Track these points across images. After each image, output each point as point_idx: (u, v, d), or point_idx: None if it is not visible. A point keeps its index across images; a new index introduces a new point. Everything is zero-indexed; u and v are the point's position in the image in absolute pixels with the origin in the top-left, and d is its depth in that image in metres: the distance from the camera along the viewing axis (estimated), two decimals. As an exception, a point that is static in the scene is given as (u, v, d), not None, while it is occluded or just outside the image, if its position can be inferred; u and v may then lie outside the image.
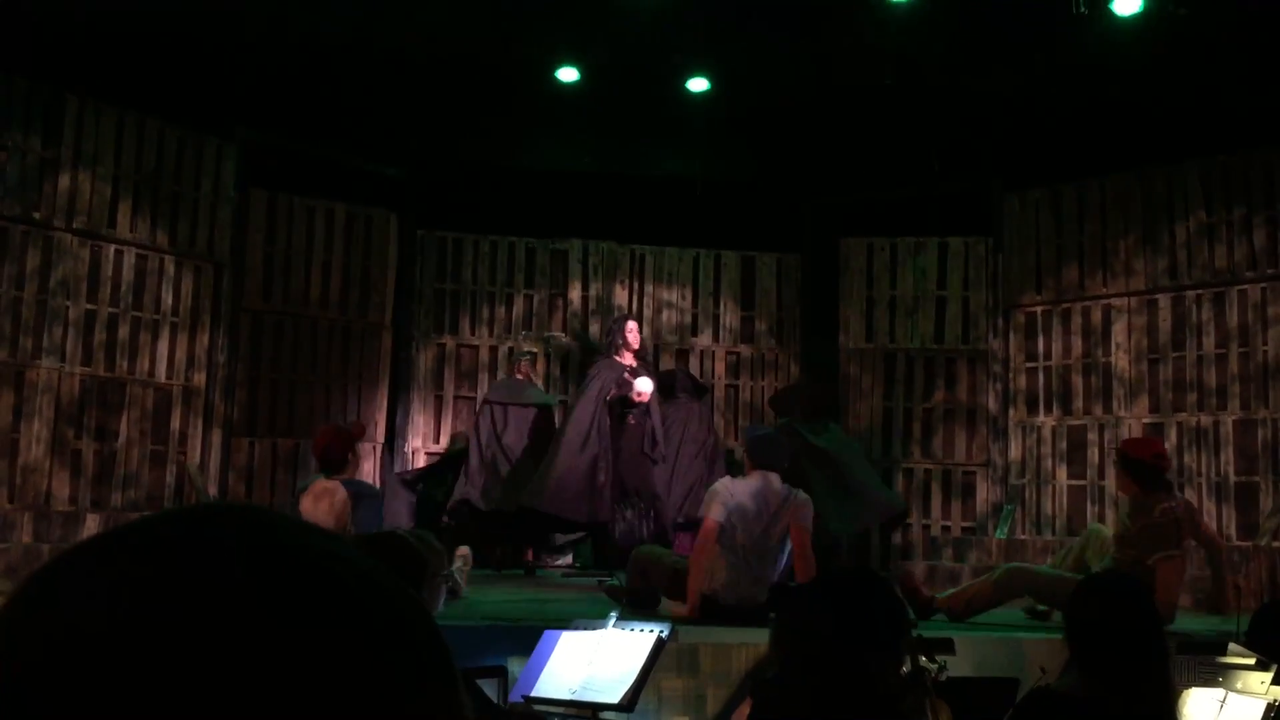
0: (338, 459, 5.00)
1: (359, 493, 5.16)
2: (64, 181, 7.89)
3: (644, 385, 7.84)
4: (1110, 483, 8.91)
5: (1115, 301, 9.08)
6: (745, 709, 2.91)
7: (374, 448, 9.63)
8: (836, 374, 10.10)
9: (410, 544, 2.99)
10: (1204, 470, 8.52)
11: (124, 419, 8.22)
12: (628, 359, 7.78)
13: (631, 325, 7.95)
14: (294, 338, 9.33)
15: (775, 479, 5.00)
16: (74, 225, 7.95)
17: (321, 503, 4.87)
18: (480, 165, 9.96)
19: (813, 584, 4.68)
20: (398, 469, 9.72)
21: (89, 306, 8.06)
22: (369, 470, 9.54)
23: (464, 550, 6.07)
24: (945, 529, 9.66)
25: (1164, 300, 8.84)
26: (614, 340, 7.99)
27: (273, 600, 0.43)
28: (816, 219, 10.35)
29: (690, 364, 10.23)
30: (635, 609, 5.37)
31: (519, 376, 9.03)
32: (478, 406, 9.50)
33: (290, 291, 9.32)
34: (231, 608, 0.42)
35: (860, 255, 10.15)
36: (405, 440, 9.84)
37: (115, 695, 0.40)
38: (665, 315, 10.39)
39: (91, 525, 7.51)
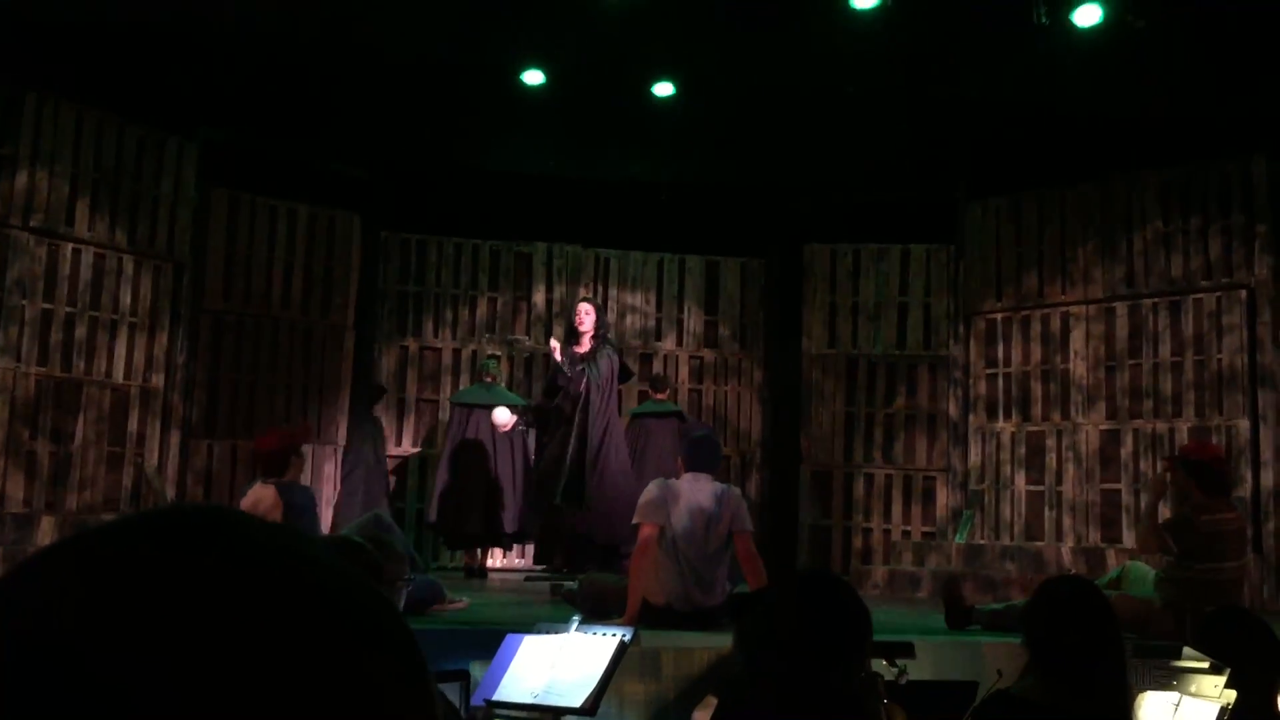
0: (278, 462, 4.90)
1: (291, 501, 5.03)
2: (21, 179, 7.78)
3: (500, 417, 7.78)
4: (1068, 488, 8.99)
5: (1074, 309, 9.14)
6: (708, 710, 2.92)
7: (334, 450, 9.57)
8: (799, 378, 10.13)
9: (363, 549, 2.96)
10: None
11: (80, 420, 8.11)
12: (583, 343, 7.52)
13: (582, 308, 7.64)
14: (255, 339, 9.24)
15: (706, 479, 4.96)
16: (31, 224, 7.84)
17: (253, 511, 4.72)
18: (445, 167, 9.91)
19: (774, 590, 4.70)
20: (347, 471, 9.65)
21: (46, 306, 7.95)
22: (329, 473, 9.48)
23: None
24: (905, 533, 9.70)
25: (1121, 308, 8.92)
26: (571, 324, 7.73)
27: (247, 602, 0.43)
28: (780, 224, 10.36)
29: (653, 367, 10.23)
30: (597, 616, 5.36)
31: (487, 380, 9.03)
32: (447, 409, 9.47)
33: (251, 292, 9.23)
34: (206, 611, 0.42)
35: (824, 261, 10.18)
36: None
37: (88, 701, 0.40)
38: (629, 319, 10.39)
39: (46, 528, 7.40)
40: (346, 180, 9.75)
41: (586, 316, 7.48)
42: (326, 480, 9.46)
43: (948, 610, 5.61)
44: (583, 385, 7.34)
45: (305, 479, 9.07)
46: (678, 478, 5.01)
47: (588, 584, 5.52)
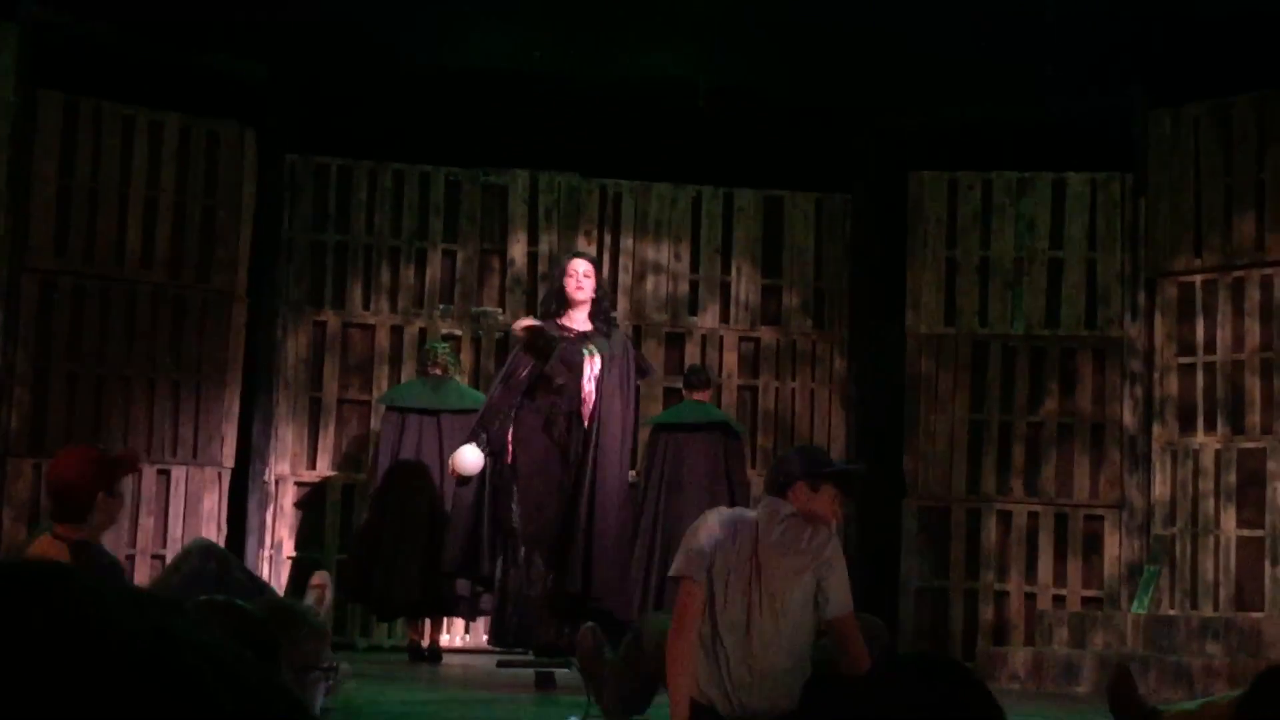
0: (76, 503, 4.71)
1: (92, 567, 4.87)
2: None
3: (467, 461, 7.34)
4: (1301, 534, 8.89)
5: (1310, 268, 9.06)
6: None
7: (219, 475, 9.54)
8: (901, 370, 10.07)
9: (253, 621, 2.90)
10: None
11: None
12: (576, 319, 7.36)
13: (577, 265, 7.46)
14: (102, 312, 9.22)
15: (783, 509, 4.80)
16: None
17: None
18: (379, 61, 9.85)
19: (866, 684, 4.59)
20: (255, 502, 9.64)
21: None
22: (209, 510, 9.44)
23: (321, 578, 5.89)
24: (1058, 600, 9.63)
25: (1381, 267, 8.86)
26: (553, 287, 7.43)
27: (93, 696, 0.50)
28: (876, 145, 10.31)
29: (688, 353, 10.16)
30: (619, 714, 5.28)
31: (435, 372, 9.00)
32: (380, 414, 9.44)
33: (97, 244, 9.20)
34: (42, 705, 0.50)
35: (938, 197, 10.11)
36: (265, 464, 9.74)
37: None
38: (651, 283, 10.33)
39: None
40: (234, 79, 9.68)
41: (586, 279, 7.31)
42: (207, 520, 9.43)
43: (1116, 713, 5.52)
44: (589, 387, 7.17)
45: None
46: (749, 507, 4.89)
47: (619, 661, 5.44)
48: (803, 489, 4.72)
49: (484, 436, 7.09)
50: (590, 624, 5.76)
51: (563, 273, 7.31)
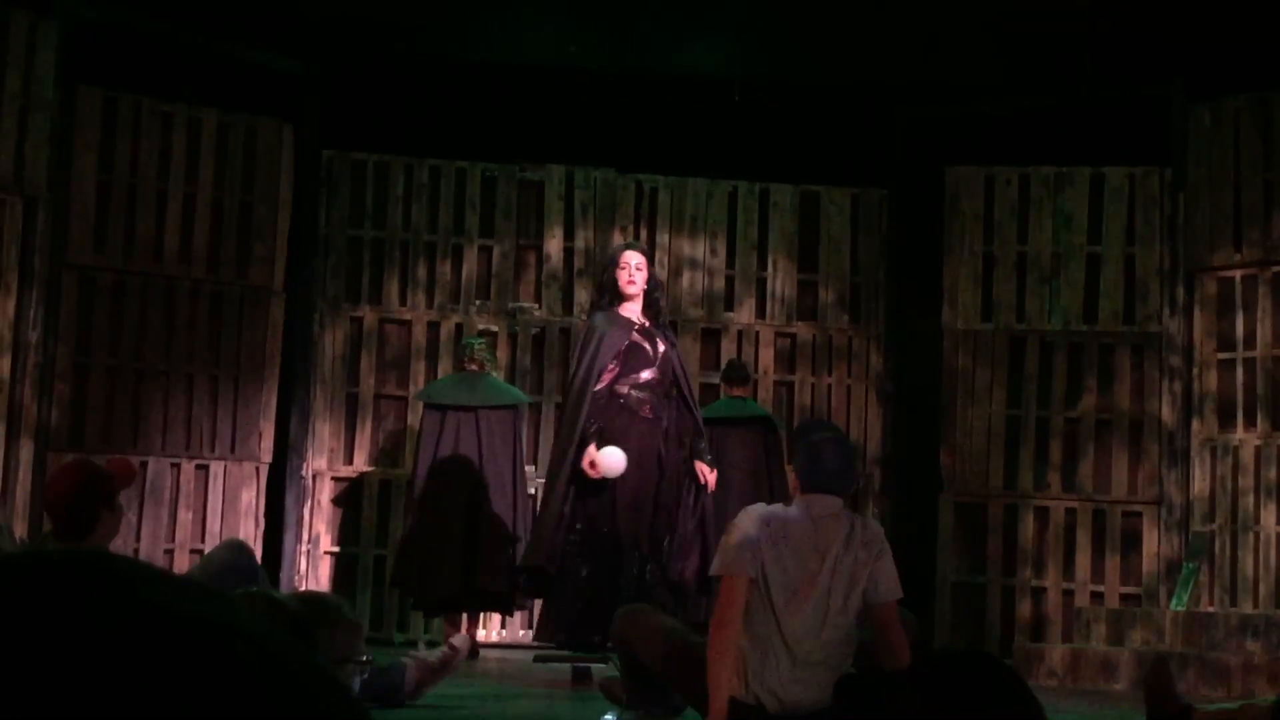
0: (78, 518, 4.67)
1: None
2: None
3: (610, 461, 6.99)
4: (1341, 530, 8.82)
5: (1352, 263, 9.02)
6: None
7: (257, 470, 9.58)
8: (938, 365, 10.04)
9: (290, 613, 2.91)
10: None
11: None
12: (631, 311, 7.27)
13: (630, 258, 7.33)
14: (141, 307, 9.27)
15: (833, 505, 4.81)
16: None
17: None
18: (416, 57, 9.87)
19: (906, 675, 4.59)
20: (293, 498, 9.68)
21: None
22: (248, 505, 9.49)
23: (462, 643, 5.95)
24: (1096, 596, 9.60)
25: None
26: (607, 278, 7.26)
27: (146, 680, 0.49)
28: (912, 139, 10.30)
29: (725, 349, 10.15)
30: (646, 710, 5.27)
31: (472, 368, 9.01)
32: (417, 410, 9.45)
33: (136, 239, 9.24)
34: (95, 690, 0.48)
35: (975, 192, 10.10)
36: (303, 459, 9.79)
37: None
38: (687, 278, 10.33)
39: None
40: (273, 75, 9.72)
41: (638, 272, 7.22)
42: (245, 515, 9.48)
43: (1151, 710, 5.48)
44: (657, 373, 7.14)
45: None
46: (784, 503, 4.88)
47: (618, 626, 5.45)
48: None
49: (595, 429, 6.89)
50: (630, 608, 5.72)
51: (615, 265, 7.18)
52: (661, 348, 7.09)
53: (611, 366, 6.97)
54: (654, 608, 5.77)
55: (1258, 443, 9.26)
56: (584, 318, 7.43)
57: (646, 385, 7.02)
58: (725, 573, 4.65)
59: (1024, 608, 9.73)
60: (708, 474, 7.07)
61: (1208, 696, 6.20)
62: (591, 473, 6.80)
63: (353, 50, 9.74)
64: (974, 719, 1.88)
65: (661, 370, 7.06)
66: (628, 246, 7.44)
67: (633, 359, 7.02)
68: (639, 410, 6.97)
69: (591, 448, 6.81)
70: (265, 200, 9.72)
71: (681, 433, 7.11)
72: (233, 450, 9.51)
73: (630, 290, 7.08)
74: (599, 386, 6.93)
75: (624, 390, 6.97)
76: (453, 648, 5.76)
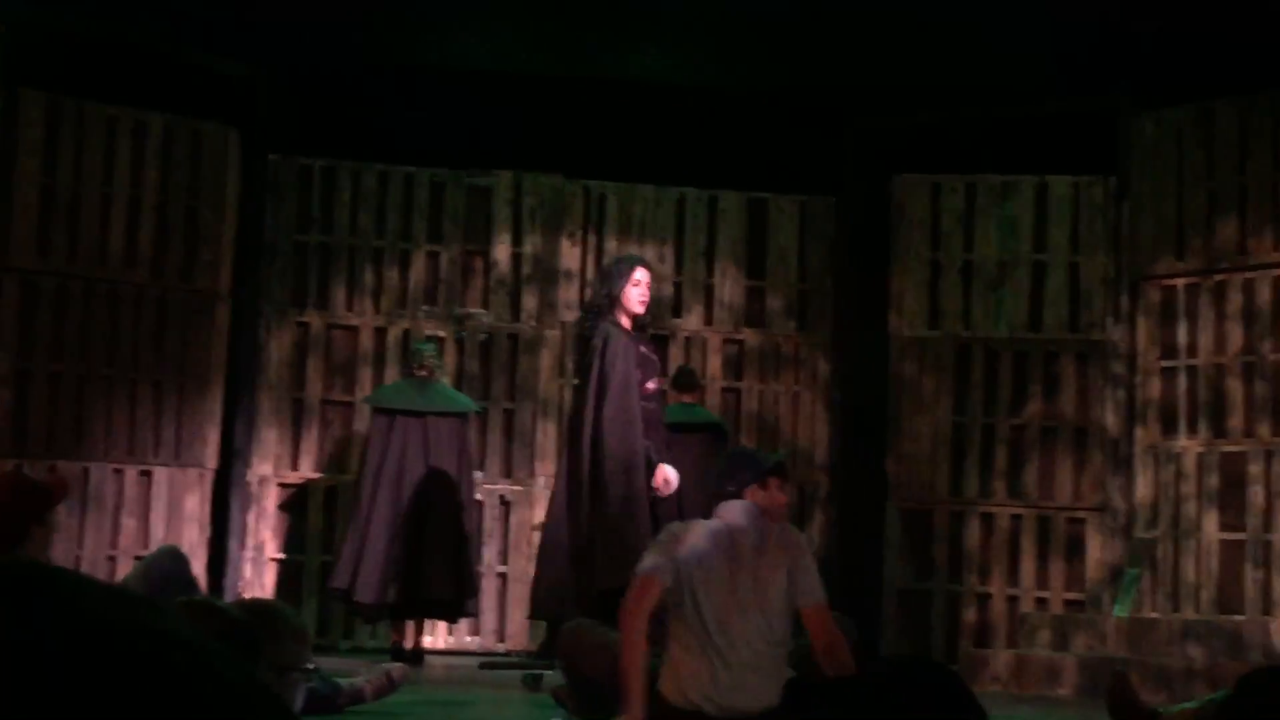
0: (9, 534, 4.58)
1: None
2: None
3: (676, 477, 6.83)
4: (1282, 537, 8.90)
5: (1292, 272, 9.06)
6: None
7: (201, 476, 9.52)
8: (885, 372, 10.07)
9: (233, 622, 2.89)
10: None
11: None
12: (625, 323, 7.15)
13: (644, 275, 7.08)
14: (85, 312, 9.21)
15: (747, 510, 4.87)
16: None
17: None
18: (363, 61, 9.84)
19: (852, 685, 4.61)
20: (238, 504, 9.62)
21: None
22: (191, 511, 9.42)
23: (400, 673, 5.98)
24: (1040, 602, 9.64)
25: (1363, 271, 8.87)
26: (612, 292, 7.04)
27: (83, 690, 0.53)
28: (859, 147, 10.31)
29: (673, 355, 10.15)
30: (593, 717, 5.28)
31: (421, 374, 8.98)
32: (364, 415, 9.41)
33: (80, 244, 9.19)
34: (32, 699, 0.52)
35: (922, 200, 10.12)
36: (248, 465, 9.74)
37: None
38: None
39: None
40: (220, 80, 9.68)
41: (647, 292, 7.07)
42: (189, 522, 9.41)
43: (1115, 718, 5.52)
44: (658, 383, 7.11)
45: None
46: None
47: (564, 639, 5.45)
48: (756, 490, 4.84)
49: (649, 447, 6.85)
50: (576, 623, 5.77)
51: (626, 279, 7.02)
52: (655, 359, 7.13)
53: (639, 388, 6.88)
54: (595, 623, 5.80)
55: (1200, 450, 9.33)
56: (581, 324, 7.23)
57: (653, 397, 7.03)
58: (643, 574, 4.72)
59: (969, 614, 9.76)
60: (662, 480, 7.02)
61: (1150, 701, 6.24)
62: (665, 491, 6.79)
63: (300, 55, 9.69)
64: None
65: (659, 381, 7.10)
66: (640, 261, 7.29)
67: (647, 369, 6.99)
68: (654, 421, 6.94)
69: (665, 468, 6.80)
70: (211, 205, 9.67)
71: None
72: (177, 456, 9.45)
73: (640, 309, 7.04)
74: (640, 406, 6.84)
75: (639, 403, 6.92)
76: (390, 680, 5.80)
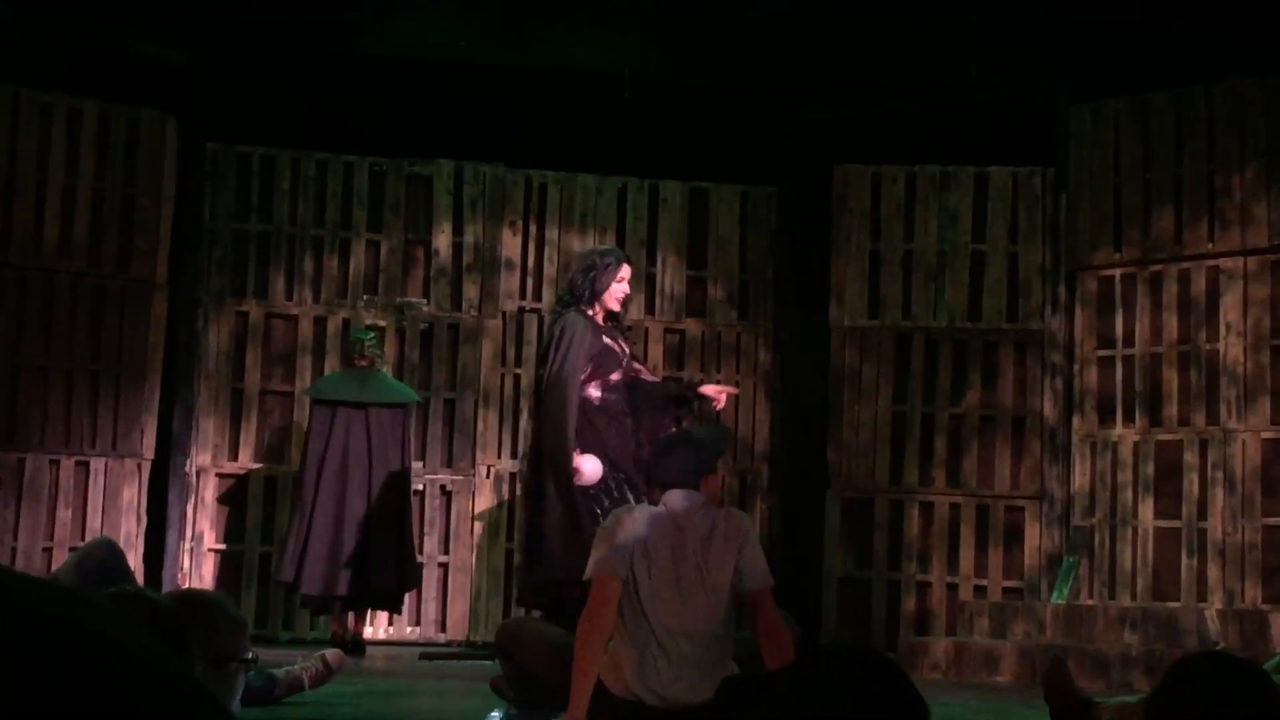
0: None
1: None
2: None
3: (596, 469, 6.92)
4: (1216, 525, 8.97)
5: (1226, 263, 9.14)
6: None
7: (139, 467, 9.45)
8: (825, 362, 10.10)
9: (164, 612, 2.86)
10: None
11: None
12: (599, 314, 7.11)
13: (627, 272, 7.12)
14: (19, 301, 9.15)
15: (691, 499, 4.86)
16: None
17: None
18: (303, 49, 9.78)
19: (788, 675, 4.61)
20: (176, 494, 9.56)
21: None
22: (129, 500, 9.35)
23: (336, 659, 5.96)
24: (979, 590, 9.71)
25: (1296, 261, 8.92)
26: (595, 285, 7.00)
27: (8, 684, 0.52)
28: (801, 139, 10.34)
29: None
30: (533, 709, 5.28)
31: (361, 364, 8.95)
32: (304, 406, 9.37)
33: (13, 232, 9.12)
34: None
35: (862, 190, 10.16)
36: (186, 456, 9.67)
37: None
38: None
39: None
40: (157, 67, 9.61)
41: (630, 285, 7.16)
42: (126, 512, 9.35)
43: (1051, 704, 5.55)
44: (622, 373, 7.11)
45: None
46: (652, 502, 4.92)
47: (501, 633, 5.46)
48: (709, 478, 4.85)
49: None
50: (515, 618, 5.80)
51: (611, 274, 7.02)
52: (625, 348, 7.09)
53: (586, 369, 6.86)
54: (533, 618, 5.83)
55: (1136, 438, 9.42)
56: (553, 312, 7.24)
57: (616, 388, 6.98)
58: (596, 574, 4.69)
59: (909, 602, 9.82)
60: (714, 391, 7.09)
61: (1087, 688, 6.29)
62: (578, 480, 6.74)
63: (239, 42, 9.63)
64: (856, 715, 1.89)
65: (625, 370, 7.02)
66: (625, 257, 7.25)
67: (607, 361, 6.95)
68: (614, 413, 6.90)
69: (578, 458, 6.73)
70: (148, 193, 9.60)
71: (654, 423, 7.01)
72: (114, 447, 9.37)
73: (617, 306, 7.06)
74: (583, 396, 6.81)
75: (597, 395, 6.89)
76: (327, 666, 5.79)
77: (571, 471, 6.71)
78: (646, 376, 7.18)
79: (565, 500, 6.72)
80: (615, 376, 6.97)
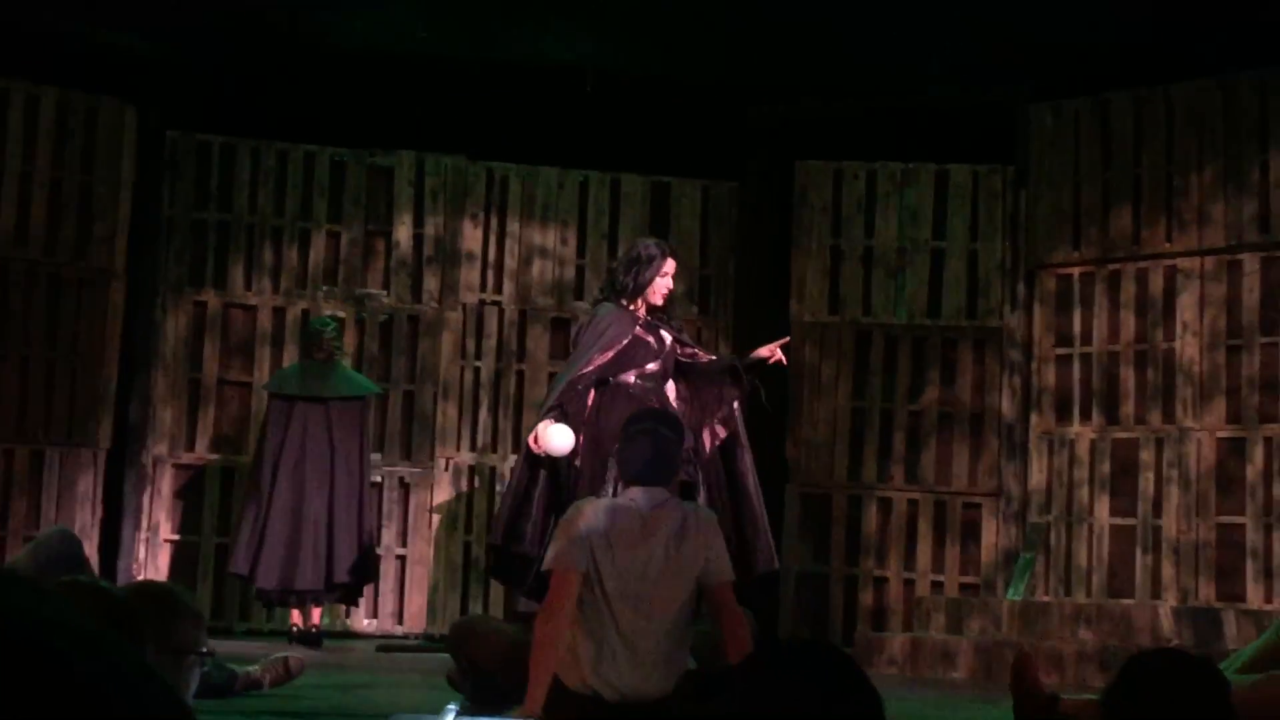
0: None
1: None
2: None
3: (559, 439, 6.62)
4: (1171, 522, 9.02)
5: (1184, 262, 9.18)
6: None
7: (95, 456, 9.39)
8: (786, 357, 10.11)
9: (117, 603, 2.84)
10: (1302, 506, 8.68)
11: None
12: (639, 306, 6.92)
13: (672, 266, 6.96)
14: (-26, 289, 9.03)
15: (658, 496, 4.85)
16: None
17: None
18: (264, 37, 9.72)
19: (744, 670, 4.62)
20: (132, 485, 9.51)
21: None
22: (85, 490, 9.29)
23: (298, 665, 5.99)
24: (936, 586, 9.74)
25: (1252, 261, 8.95)
26: (639, 279, 6.87)
27: None
28: (763, 134, 10.35)
29: (571, 338, 10.12)
30: (488, 703, 5.28)
31: (320, 356, 8.90)
32: (263, 398, 9.33)
33: (-31, 218, 9.00)
34: None
35: (824, 187, 10.17)
36: (143, 446, 9.61)
37: None
38: (537, 267, 10.30)
39: None
40: (116, 54, 9.55)
41: (670, 282, 7.00)
42: (82, 502, 9.28)
43: (1018, 703, 5.57)
44: (661, 364, 7.03)
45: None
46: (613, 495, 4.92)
47: (456, 630, 5.47)
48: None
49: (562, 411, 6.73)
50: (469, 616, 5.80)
51: (654, 269, 6.88)
52: (667, 338, 6.96)
53: (601, 358, 6.78)
54: (487, 616, 5.83)
55: (1093, 436, 9.46)
56: (589, 306, 7.22)
57: (652, 376, 6.89)
58: (557, 567, 4.66)
59: (866, 597, 9.83)
60: (767, 351, 7.06)
61: (1044, 684, 6.30)
62: (534, 447, 6.67)
63: (200, 31, 9.56)
64: (811, 710, 1.89)
65: (665, 362, 6.93)
66: (670, 251, 7.09)
67: (640, 352, 6.85)
68: (645, 400, 6.75)
69: (547, 423, 6.66)
70: (106, 181, 9.53)
71: (703, 411, 7.01)
72: (69, 436, 9.30)
73: (660, 302, 6.94)
74: (583, 372, 6.77)
75: (630, 380, 6.81)
76: (288, 670, 5.81)
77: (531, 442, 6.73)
78: (704, 358, 7.15)
79: (520, 469, 6.85)
80: (652, 366, 6.91)
